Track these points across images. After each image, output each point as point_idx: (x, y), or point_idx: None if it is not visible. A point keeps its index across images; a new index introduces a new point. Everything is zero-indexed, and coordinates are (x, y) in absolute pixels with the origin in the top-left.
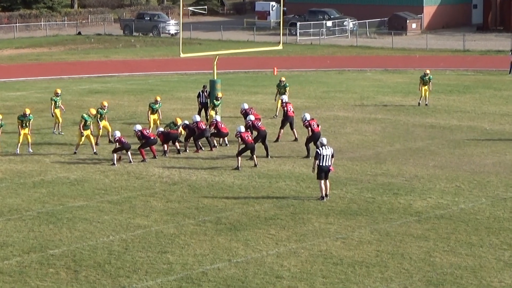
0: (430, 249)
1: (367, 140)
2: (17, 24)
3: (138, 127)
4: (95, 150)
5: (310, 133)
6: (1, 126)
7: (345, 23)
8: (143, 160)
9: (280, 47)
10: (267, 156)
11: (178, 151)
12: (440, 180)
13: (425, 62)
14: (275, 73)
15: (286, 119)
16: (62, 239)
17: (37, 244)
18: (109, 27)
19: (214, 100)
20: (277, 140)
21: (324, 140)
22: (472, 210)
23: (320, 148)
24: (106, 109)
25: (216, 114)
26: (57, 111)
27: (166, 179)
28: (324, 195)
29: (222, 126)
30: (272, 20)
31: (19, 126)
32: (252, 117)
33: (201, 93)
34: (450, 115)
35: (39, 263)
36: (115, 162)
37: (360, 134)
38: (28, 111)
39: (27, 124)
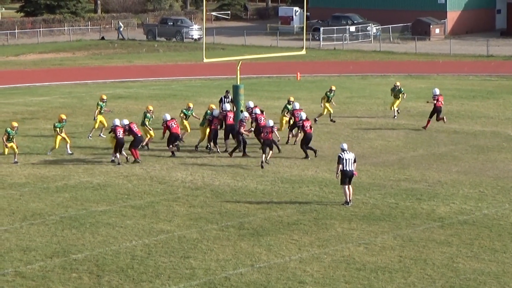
0: (453, 254)
1: (390, 145)
2: (41, 29)
3: (125, 121)
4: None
5: (302, 134)
6: (11, 134)
7: (368, 28)
8: (136, 161)
9: (303, 52)
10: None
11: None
12: (463, 185)
13: (449, 67)
14: (298, 78)
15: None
16: (85, 243)
17: (60, 248)
18: (132, 32)
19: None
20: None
21: (344, 145)
22: (496, 216)
23: (342, 153)
24: (104, 102)
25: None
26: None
27: (189, 184)
28: (347, 201)
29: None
30: (295, 25)
31: (56, 132)
32: (246, 114)
33: (223, 98)
34: (473, 121)
35: (62, 268)
36: (120, 161)
37: (383, 139)
38: (64, 117)
39: (62, 130)
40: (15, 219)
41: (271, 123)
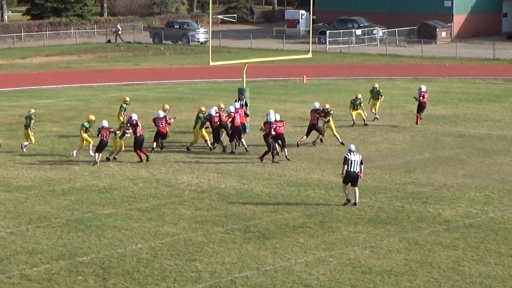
0: (459, 258)
1: (396, 148)
2: (47, 32)
3: (134, 116)
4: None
5: (272, 133)
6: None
7: (374, 31)
8: (141, 161)
9: (309, 55)
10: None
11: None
12: (469, 189)
13: (455, 71)
14: (305, 82)
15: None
16: (90, 246)
17: (66, 251)
18: (138, 35)
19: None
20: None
21: (352, 146)
22: (502, 219)
23: (348, 154)
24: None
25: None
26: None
27: (195, 187)
28: (348, 200)
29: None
30: (301, 29)
31: (82, 132)
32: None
33: (237, 101)
34: (479, 124)
35: (68, 271)
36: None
37: (389, 142)
38: (93, 118)
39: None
40: (21, 221)
41: (278, 117)
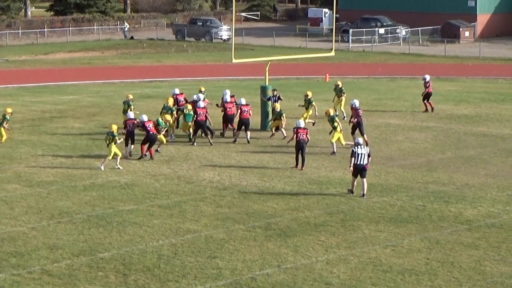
0: (481, 258)
1: (419, 148)
2: (70, 28)
3: (144, 117)
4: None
5: (295, 140)
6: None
7: (397, 30)
8: (141, 157)
9: (332, 53)
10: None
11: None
12: (491, 188)
13: (478, 71)
14: (327, 80)
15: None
16: (111, 242)
17: (87, 247)
18: (161, 32)
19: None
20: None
21: (360, 140)
22: None
23: (356, 147)
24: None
25: None
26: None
27: (216, 184)
28: (352, 191)
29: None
30: (324, 27)
31: (109, 142)
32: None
33: (272, 98)
34: (502, 124)
35: (89, 266)
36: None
37: (412, 141)
38: (115, 127)
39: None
40: (42, 217)
41: (301, 123)
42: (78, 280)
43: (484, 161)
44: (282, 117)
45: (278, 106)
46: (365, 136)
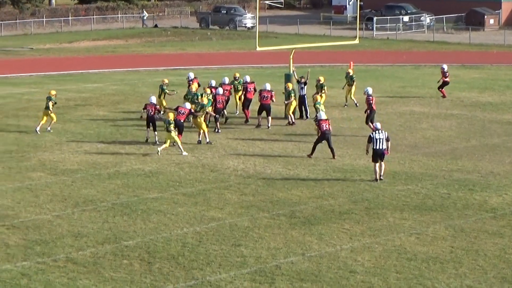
0: (505, 246)
1: (443, 135)
2: (94, 17)
3: (187, 105)
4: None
5: (319, 133)
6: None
7: (422, 18)
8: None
9: (356, 41)
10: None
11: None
12: None
13: (503, 58)
14: (351, 68)
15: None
16: (136, 230)
17: (111, 235)
18: (185, 20)
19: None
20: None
21: (378, 124)
22: None
23: (373, 132)
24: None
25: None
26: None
27: (240, 172)
28: (376, 179)
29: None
30: (348, 15)
31: (167, 130)
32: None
33: (299, 85)
34: None
35: (113, 254)
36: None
37: (436, 129)
38: (172, 116)
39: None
40: (67, 205)
41: (323, 115)
42: (102, 268)
43: (509, 149)
44: (290, 97)
45: (290, 85)
46: (371, 124)
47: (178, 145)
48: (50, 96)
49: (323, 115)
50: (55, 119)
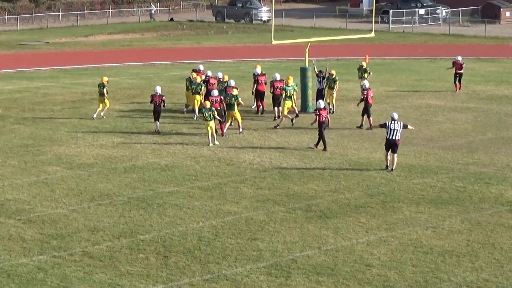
0: None
1: (459, 129)
2: (110, 10)
3: (215, 92)
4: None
5: (318, 121)
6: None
7: (438, 11)
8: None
9: (372, 34)
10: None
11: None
12: None
13: None
14: (367, 61)
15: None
16: (152, 224)
17: (127, 229)
18: (201, 14)
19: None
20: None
21: (395, 115)
22: None
23: (389, 122)
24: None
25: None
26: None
27: (256, 166)
28: (387, 166)
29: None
30: (364, 8)
31: (206, 119)
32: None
33: (318, 79)
34: None
35: (129, 248)
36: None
37: (452, 122)
38: (208, 103)
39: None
40: (83, 199)
41: (321, 104)
42: (118, 262)
43: None
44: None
45: (291, 78)
46: (365, 117)
47: (213, 134)
48: (103, 82)
49: (321, 104)
50: (108, 105)
